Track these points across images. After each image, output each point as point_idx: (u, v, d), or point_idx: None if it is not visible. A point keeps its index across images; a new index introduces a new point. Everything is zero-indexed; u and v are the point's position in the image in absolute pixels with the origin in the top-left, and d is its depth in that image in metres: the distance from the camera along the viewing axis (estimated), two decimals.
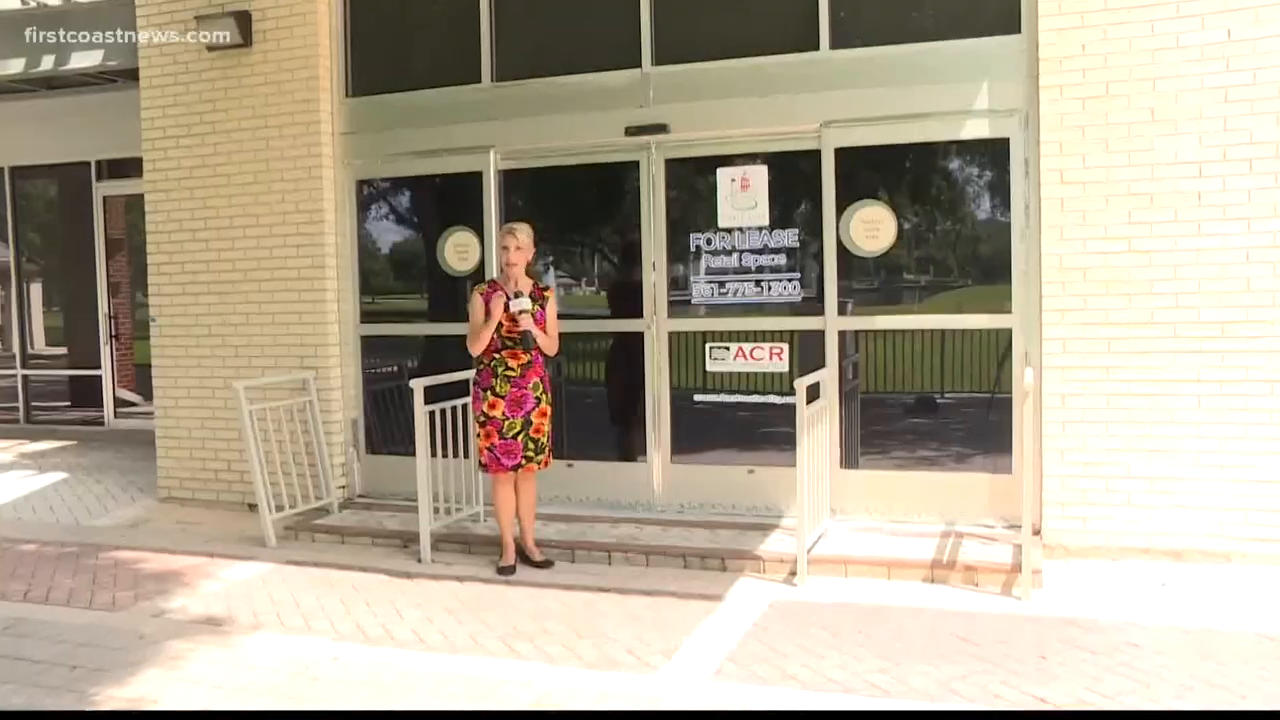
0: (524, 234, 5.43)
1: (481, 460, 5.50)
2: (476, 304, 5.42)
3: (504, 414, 5.39)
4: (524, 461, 5.45)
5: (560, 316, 5.71)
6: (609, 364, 6.76)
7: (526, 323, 5.31)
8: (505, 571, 5.41)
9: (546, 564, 5.50)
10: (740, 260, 6.17)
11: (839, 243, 5.91)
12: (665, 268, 6.29)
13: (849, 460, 6.03)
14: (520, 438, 5.43)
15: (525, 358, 5.41)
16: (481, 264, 6.65)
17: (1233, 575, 5.05)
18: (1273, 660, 4.06)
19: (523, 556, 5.54)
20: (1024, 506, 4.86)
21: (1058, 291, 5.38)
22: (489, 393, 5.40)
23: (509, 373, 5.40)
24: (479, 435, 5.46)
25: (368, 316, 7.07)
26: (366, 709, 3.84)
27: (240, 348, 7.01)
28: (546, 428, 5.52)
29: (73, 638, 4.63)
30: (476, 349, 5.41)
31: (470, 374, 5.87)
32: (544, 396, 5.50)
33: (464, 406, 6.05)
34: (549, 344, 5.47)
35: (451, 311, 6.90)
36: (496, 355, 5.40)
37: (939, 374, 6.05)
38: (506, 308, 5.33)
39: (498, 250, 5.49)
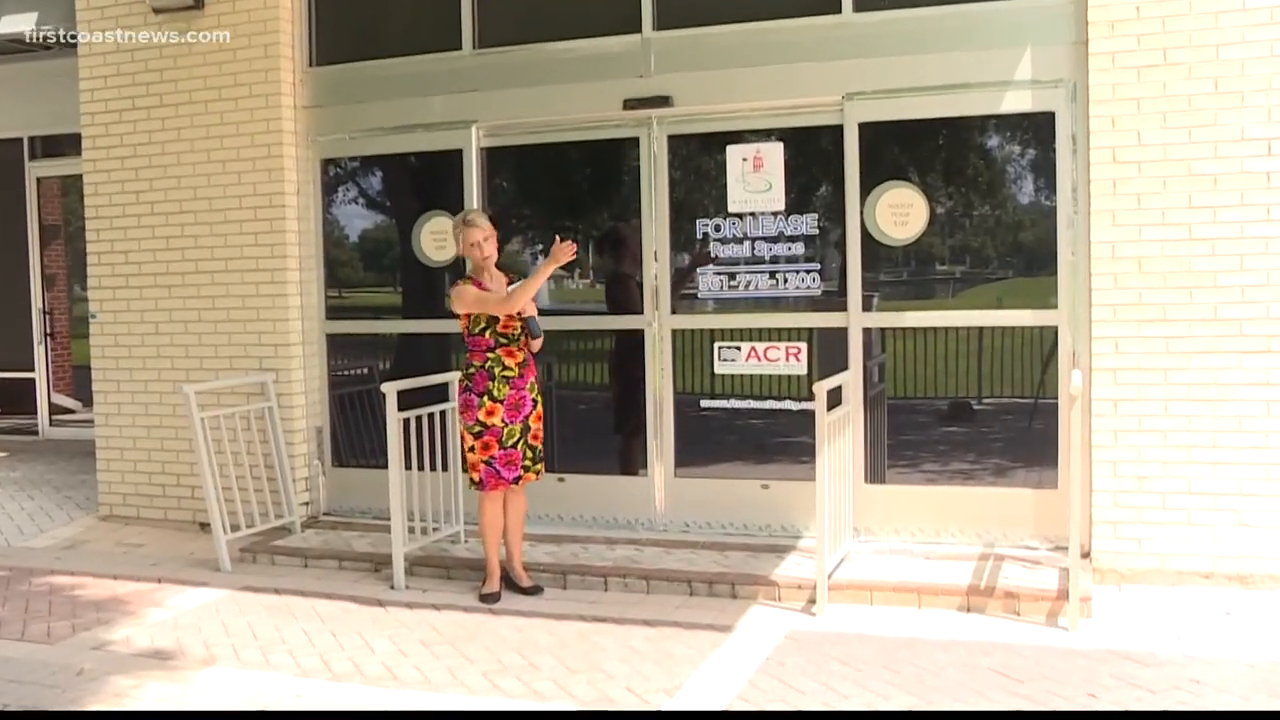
0: (487, 220, 5.50)
1: (476, 477, 5.44)
2: (470, 288, 5.35)
3: (503, 420, 5.37)
4: (522, 473, 5.45)
5: (551, 313, 5.74)
6: (605, 366, 6.76)
7: (530, 309, 5.34)
8: (489, 599, 5.41)
9: (535, 590, 5.50)
10: (753, 249, 6.17)
11: (863, 229, 5.92)
12: (668, 258, 6.29)
13: (875, 474, 6.03)
14: (520, 446, 5.43)
15: (521, 355, 5.41)
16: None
17: None
18: None
19: (508, 582, 5.54)
20: (1071, 525, 4.86)
21: (1109, 284, 5.38)
22: (486, 398, 5.35)
23: (507, 373, 5.38)
24: (473, 448, 5.40)
25: (334, 312, 7.07)
26: (362, 710, 3.85)
27: (191, 347, 7.01)
28: (542, 433, 5.53)
29: (2, 673, 4.62)
30: (523, 299, 5.25)
31: (452, 377, 5.90)
32: (539, 398, 5.52)
33: (442, 413, 6.05)
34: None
35: (428, 306, 6.91)
36: (491, 354, 5.38)
37: (976, 377, 6.04)
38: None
39: (465, 247, 5.45)
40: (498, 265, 5.53)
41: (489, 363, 5.37)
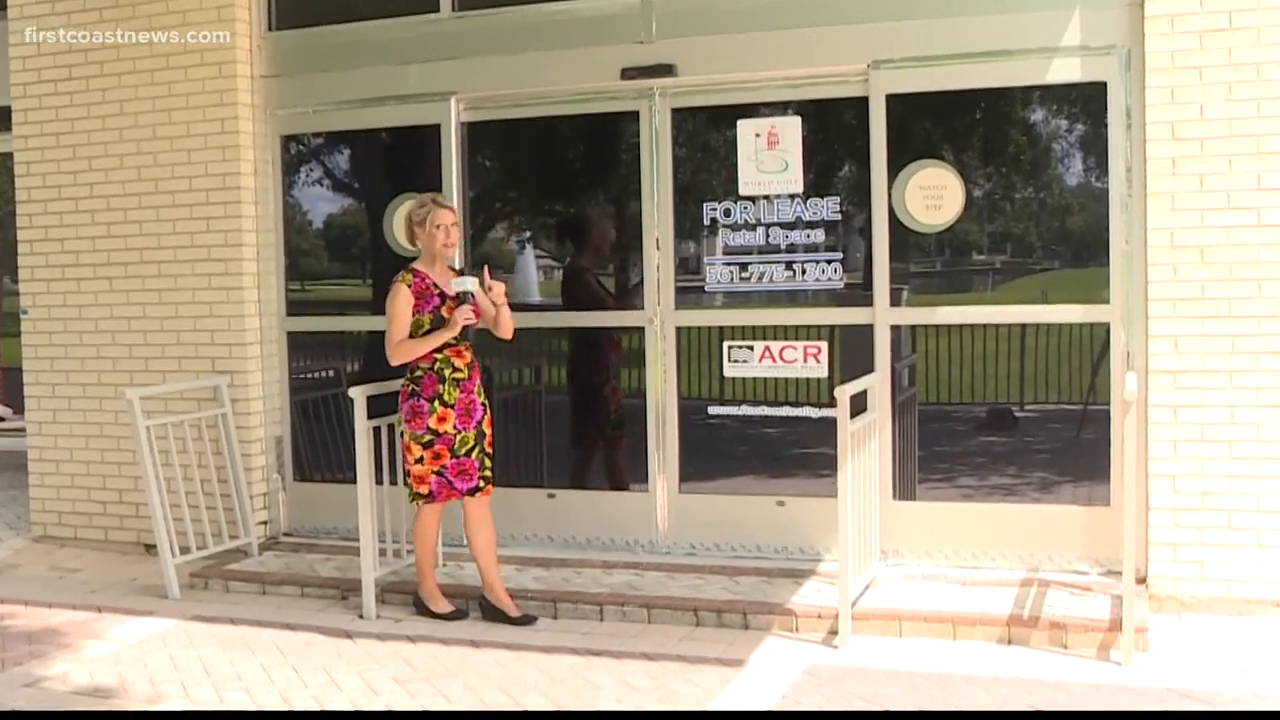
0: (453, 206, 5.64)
1: (423, 490, 5.51)
2: (404, 299, 5.44)
3: (455, 427, 5.47)
4: (481, 484, 5.53)
5: (540, 308, 5.78)
6: (601, 368, 6.76)
7: (465, 312, 5.41)
8: (455, 617, 5.53)
9: (527, 620, 5.50)
10: (767, 236, 6.17)
11: (891, 214, 5.91)
12: (672, 246, 6.29)
13: (904, 489, 6.03)
14: (476, 454, 5.51)
15: (469, 355, 5.54)
16: None
17: None
18: None
19: (496, 613, 5.53)
20: (1125, 547, 4.86)
21: (1167, 276, 5.38)
22: (436, 403, 5.45)
23: (457, 375, 5.50)
24: (421, 459, 5.49)
25: (296, 307, 7.07)
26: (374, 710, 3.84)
27: (135, 346, 7.01)
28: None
29: None
30: (406, 358, 5.47)
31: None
32: (487, 401, 5.64)
33: None
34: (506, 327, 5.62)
35: None
36: (439, 356, 5.48)
37: (1018, 380, 6.05)
38: (461, 298, 5.43)
39: (430, 231, 5.51)
40: (480, 254, 5.58)
41: (437, 364, 5.48)
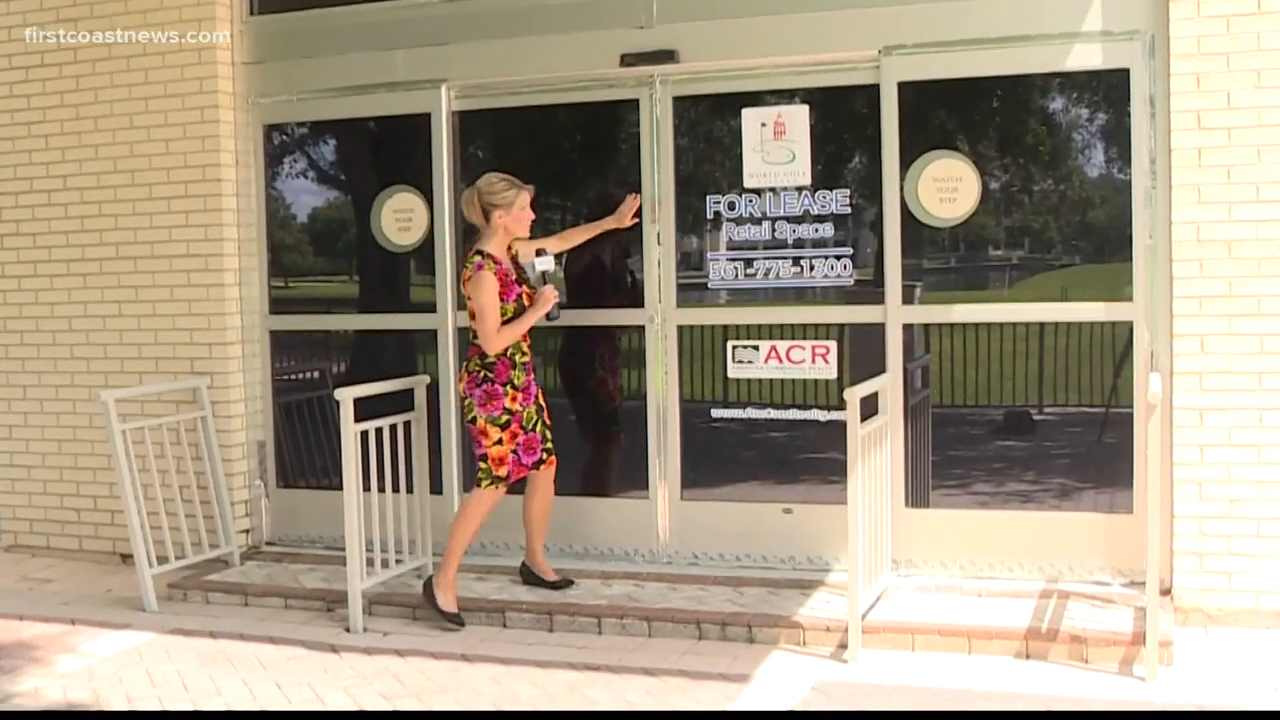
0: None
1: (502, 472, 5.69)
2: (492, 286, 5.56)
3: (521, 404, 5.76)
4: (544, 456, 5.85)
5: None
6: (599, 369, 6.75)
7: (551, 293, 5.70)
8: (454, 621, 5.60)
9: (566, 583, 5.94)
10: (773, 231, 6.17)
11: (904, 207, 5.91)
12: (674, 241, 6.29)
13: (917, 496, 6.03)
14: (539, 428, 5.83)
15: (528, 338, 5.72)
16: (430, 235, 6.63)
17: None
18: None
19: (531, 577, 5.97)
20: (1149, 557, 4.85)
21: (1194, 272, 5.37)
22: (509, 386, 5.67)
23: (524, 359, 5.77)
24: (500, 441, 5.66)
25: (279, 305, 7.07)
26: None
27: (110, 346, 7.01)
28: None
29: None
30: (507, 344, 5.61)
31: (417, 381, 5.99)
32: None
33: (406, 425, 6.05)
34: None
35: (391, 298, 6.90)
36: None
37: (1036, 382, 6.04)
38: (544, 278, 5.71)
39: (516, 214, 5.67)
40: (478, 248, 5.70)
41: (509, 350, 5.67)
